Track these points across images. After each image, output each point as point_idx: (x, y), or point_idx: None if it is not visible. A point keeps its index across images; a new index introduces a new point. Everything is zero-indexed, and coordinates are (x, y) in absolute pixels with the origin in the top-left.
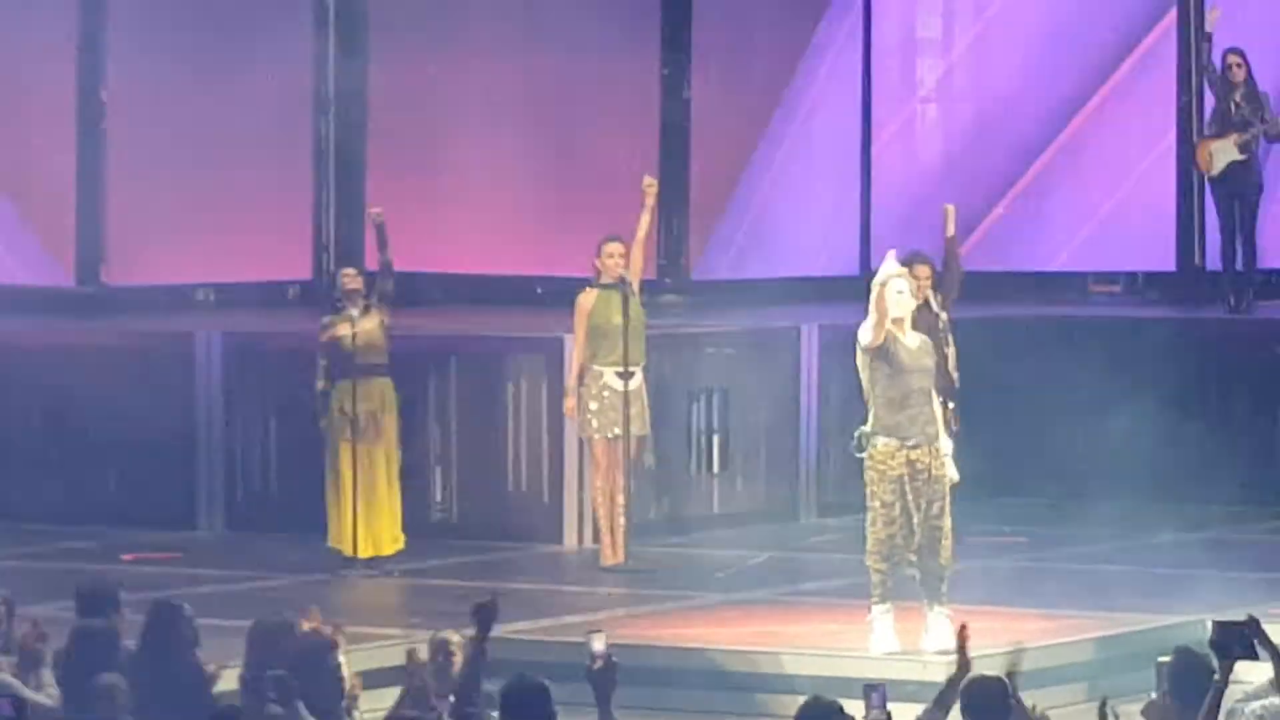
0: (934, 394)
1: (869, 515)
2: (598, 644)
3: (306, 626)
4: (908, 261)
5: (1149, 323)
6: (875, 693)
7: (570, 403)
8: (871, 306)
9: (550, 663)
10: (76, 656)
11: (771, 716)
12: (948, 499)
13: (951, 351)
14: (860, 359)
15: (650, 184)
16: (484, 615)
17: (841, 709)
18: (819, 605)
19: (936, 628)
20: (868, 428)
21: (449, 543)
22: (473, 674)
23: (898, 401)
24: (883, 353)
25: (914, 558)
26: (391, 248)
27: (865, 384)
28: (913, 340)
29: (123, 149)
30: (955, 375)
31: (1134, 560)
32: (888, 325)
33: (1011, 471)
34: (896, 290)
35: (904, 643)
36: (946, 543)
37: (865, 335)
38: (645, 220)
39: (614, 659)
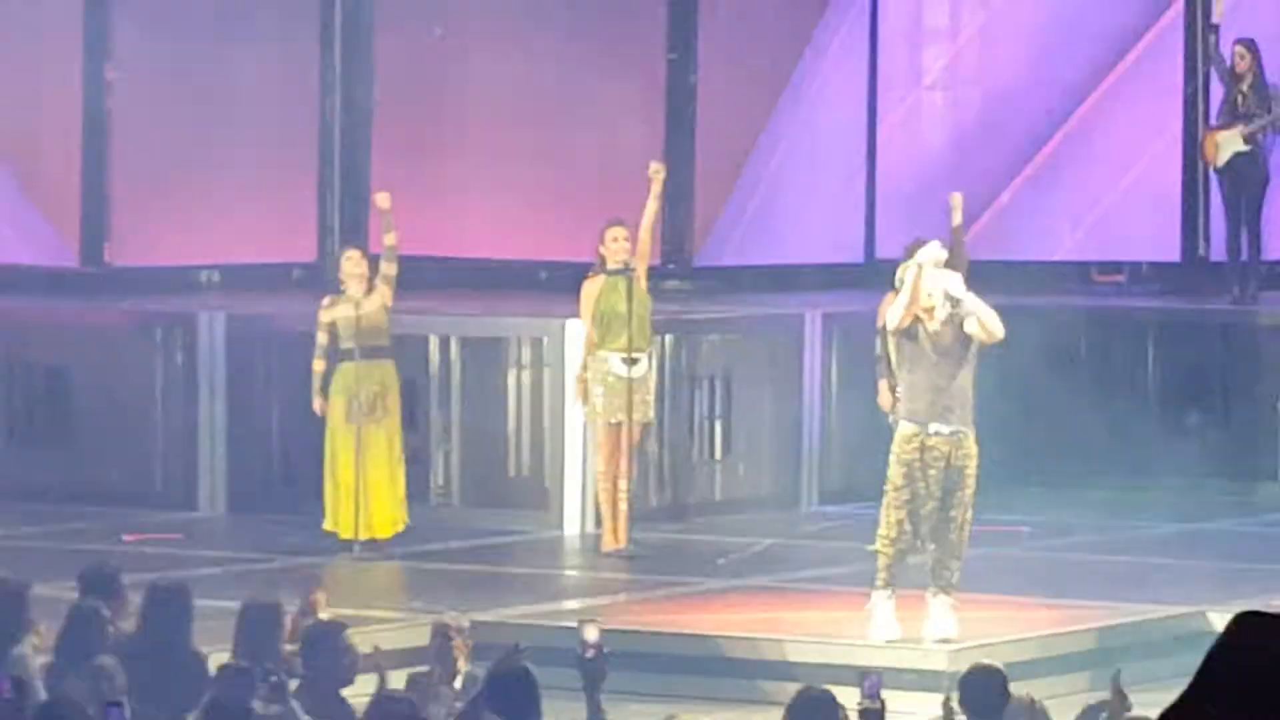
0: (963, 381)
1: (884, 499)
2: (590, 633)
3: (321, 608)
4: (913, 248)
5: (1153, 312)
6: (868, 681)
7: (579, 387)
8: (907, 288)
9: (545, 647)
10: (71, 637)
11: (772, 703)
12: (971, 490)
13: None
14: (889, 341)
15: (658, 170)
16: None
17: (834, 699)
18: (820, 592)
19: (939, 616)
20: (895, 413)
21: (449, 526)
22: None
23: (920, 387)
24: (909, 334)
25: (930, 545)
26: (397, 232)
27: (892, 365)
28: (938, 326)
29: (128, 129)
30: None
31: (1136, 550)
32: (917, 310)
33: (1013, 459)
34: (931, 278)
35: (905, 630)
36: (963, 533)
37: (894, 318)
38: (653, 206)
39: (606, 649)
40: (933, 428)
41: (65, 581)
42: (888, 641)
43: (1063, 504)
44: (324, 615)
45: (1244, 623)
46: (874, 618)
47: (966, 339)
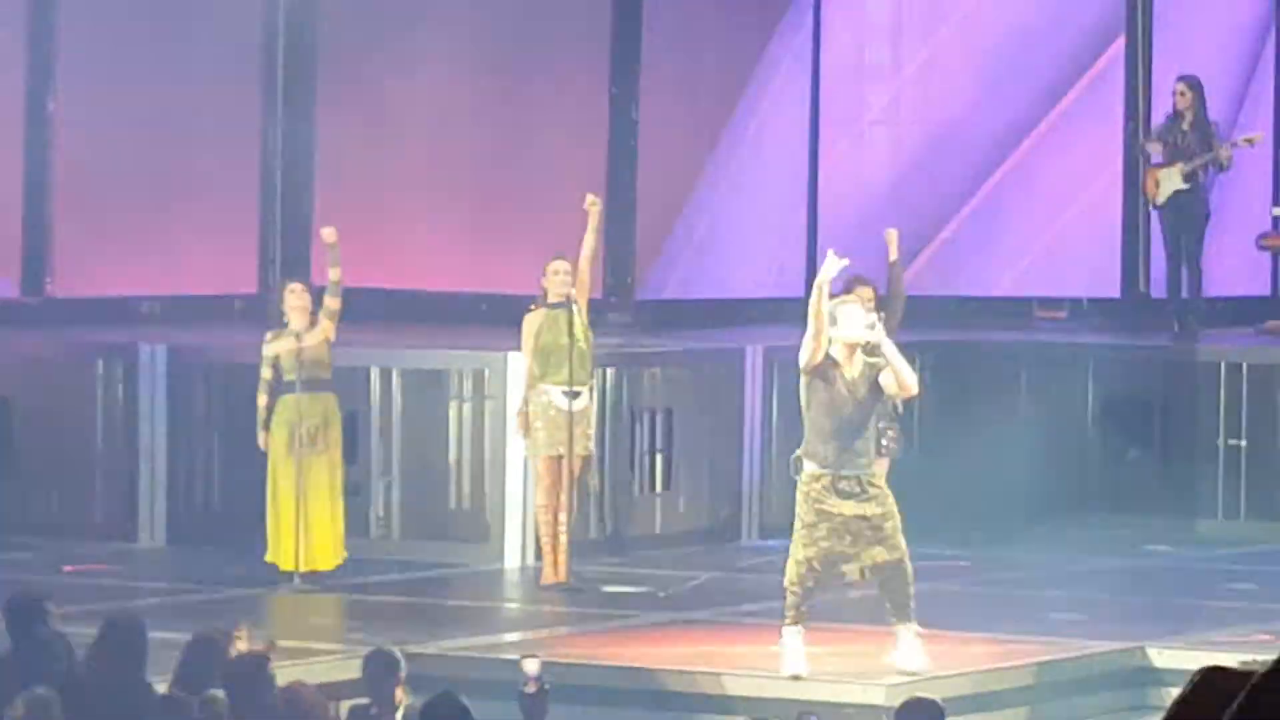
0: (871, 428)
1: (793, 536)
2: (531, 666)
3: (240, 645)
4: (849, 285)
5: (1094, 348)
6: None
7: (519, 421)
8: (810, 314)
9: (484, 680)
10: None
11: None
12: (894, 522)
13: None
14: (801, 380)
15: (594, 203)
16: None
17: None
18: (760, 626)
19: (907, 647)
20: (800, 451)
21: (390, 558)
22: None
23: (828, 432)
24: (821, 375)
25: (876, 582)
26: (342, 267)
27: (803, 406)
28: (855, 370)
29: (70, 160)
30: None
31: (1076, 584)
32: (832, 351)
33: (954, 494)
34: (849, 314)
35: (812, 666)
36: (905, 565)
37: (804, 353)
38: (590, 239)
39: (547, 685)
40: (840, 471)
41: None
42: (794, 677)
43: (1002, 538)
44: (243, 647)
45: (1208, 678)
46: (784, 654)
47: (878, 389)
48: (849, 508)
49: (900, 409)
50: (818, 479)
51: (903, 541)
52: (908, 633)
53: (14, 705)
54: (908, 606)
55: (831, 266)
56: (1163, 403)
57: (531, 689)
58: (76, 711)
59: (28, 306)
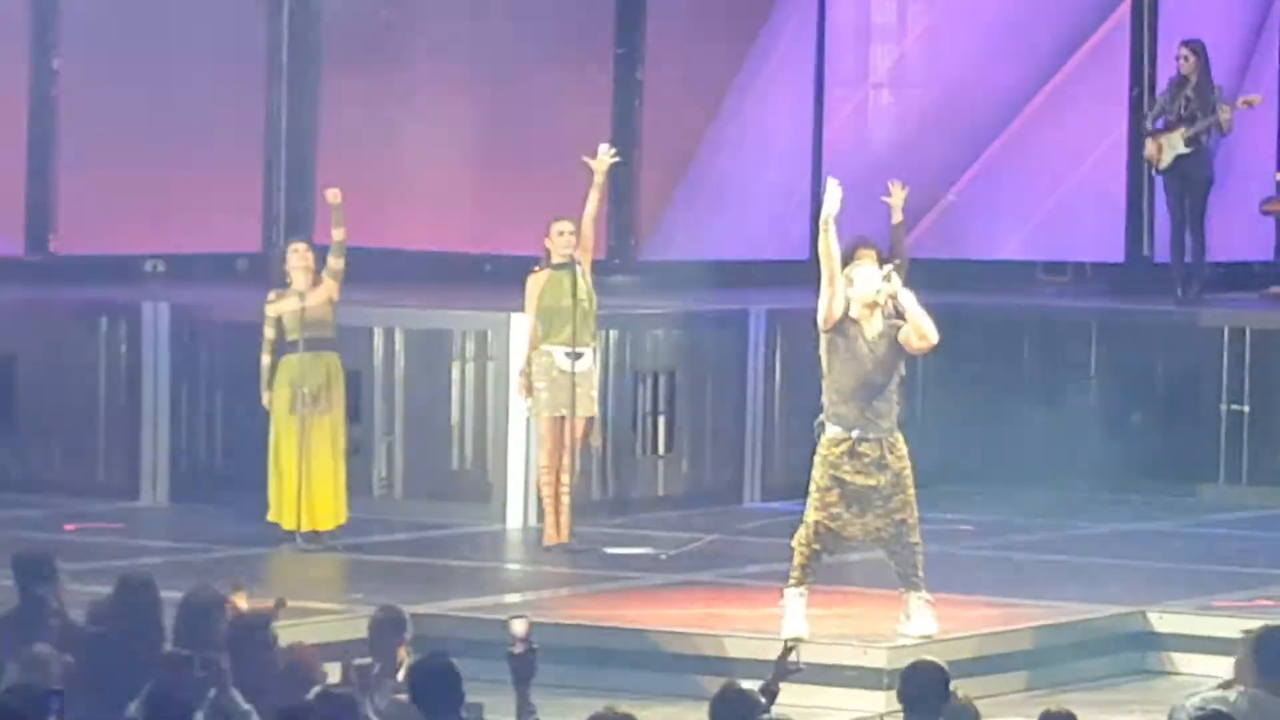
0: (892, 388)
1: (807, 498)
2: (519, 627)
3: (240, 604)
4: (853, 246)
5: (1097, 313)
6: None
7: (521, 382)
8: (822, 258)
9: (484, 640)
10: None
11: (710, 699)
12: (910, 490)
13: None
14: (821, 341)
15: (600, 161)
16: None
17: (755, 698)
18: (761, 588)
19: (918, 614)
20: (822, 415)
21: (392, 518)
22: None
23: (849, 392)
24: (841, 333)
25: (883, 551)
26: (346, 227)
27: (823, 368)
28: (875, 328)
29: (74, 118)
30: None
31: (1076, 549)
32: (851, 312)
33: (956, 459)
34: (865, 275)
35: (813, 628)
36: (915, 534)
37: (821, 305)
38: (595, 197)
39: (535, 645)
40: (858, 432)
41: (3, 571)
42: (794, 639)
43: (1004, 503)
44: (242, 606)
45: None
46: (785, 615)
47: (899, 349)
48: (862, 479)
49: (904, 373)
50: (838, 444)
51: (913, 513)
52: (916, 600)
53: (12, 663)
54: (915, 575)
55: (833, 198)
56: (1165, 367)
57: (519, 649)
58: (86, 670)
59: (31, 264)
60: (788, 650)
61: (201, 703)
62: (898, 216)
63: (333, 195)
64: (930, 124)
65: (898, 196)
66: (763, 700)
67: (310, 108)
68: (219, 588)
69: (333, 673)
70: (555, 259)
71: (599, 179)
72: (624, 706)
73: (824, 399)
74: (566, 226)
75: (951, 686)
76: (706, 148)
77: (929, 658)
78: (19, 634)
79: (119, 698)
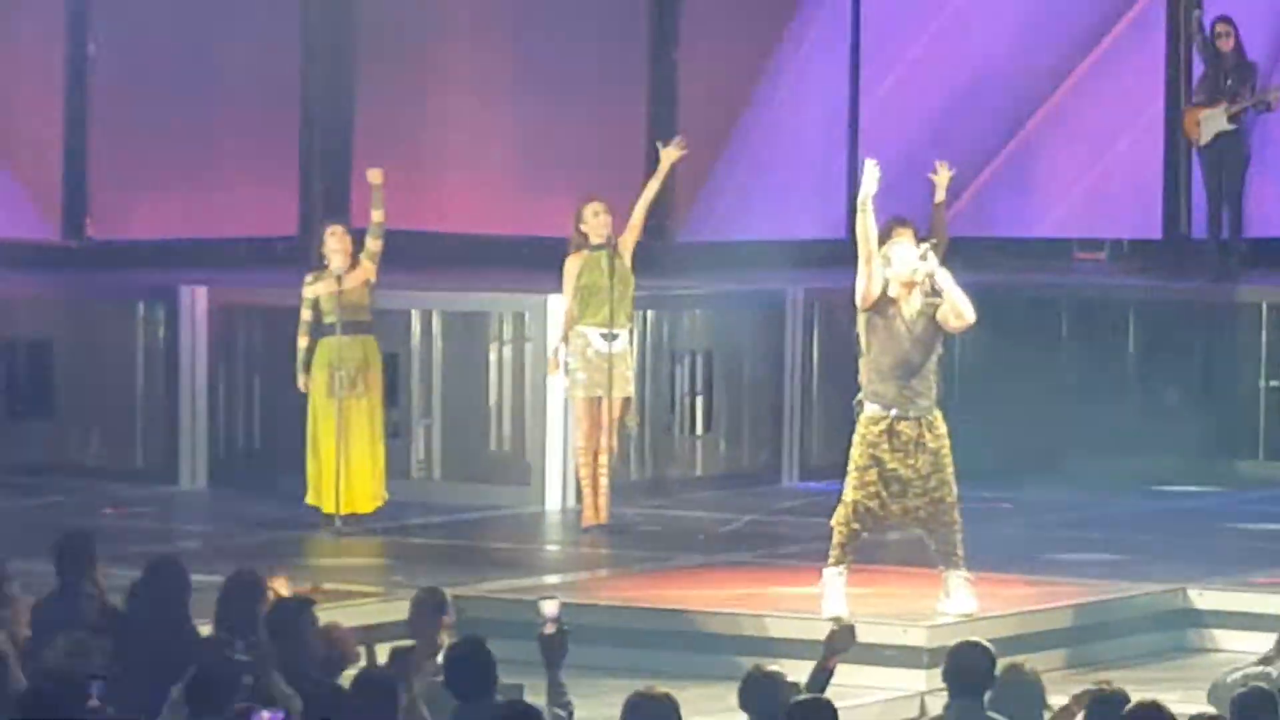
0: (931, 367)
1: (846, 478)
2: (549, 608)
3: (281, 590)
4: (888, 225)
5: (1134, 290)
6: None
7: (552, 360)
8: (860, 239)
9: (523, 622)
10: (49, 611)
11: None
12: (949, 469)
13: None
14: (860, 320)
15: (670, 152)
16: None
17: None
18: (800, 568)
19: (957, 592)
20: (861, 395)
21: (430, 501)
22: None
23: (887, 371)
24: (880, 311)
25: (921, 531)
26: (385, 210)
27: (862, 347)
28: (914, 307)
29: (110, 103)
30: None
31: (1117, 526)
32: (889, 291)
33: (995, 436)
34: (902, 254)
35: (853, 607)
36: (954, 513)
37: (860, 285)
38: (655, 185)
39: (566, 625)
40: (896, 411)
41: (44, 556)
42: (835, 619)
43: (1043, 481)
44: (283, 592)
45: None
46: (825, 595)
47: (937, 327)
48: (900, 460)
49: (942, 352)
50: (877, 422)
51: (952, 491)
52: (956, 578)
53: (54, 645)
54: (955, 554)
55: (871, 179)
56: (1203, 344)
57: (550, 630)
58: (123, 655)
59: (68, 250)
60: (844, 629)
61: (243, 686)
62: (940, 195)
63: (374, 176)
64: (966, 101)
65: (943, 176)
66: (790, 682)
67: (347, 90)
68: (260, 572)
69: (381, 654)
70: (593, 240)
71: (665, 167)
72: (664, 687)
73: (862, 378)
74: (600, 208)
75: (1015, 660)
76: (743, 127)
77: (975, 638)
78: (59, 618)
79: (156, 681)
